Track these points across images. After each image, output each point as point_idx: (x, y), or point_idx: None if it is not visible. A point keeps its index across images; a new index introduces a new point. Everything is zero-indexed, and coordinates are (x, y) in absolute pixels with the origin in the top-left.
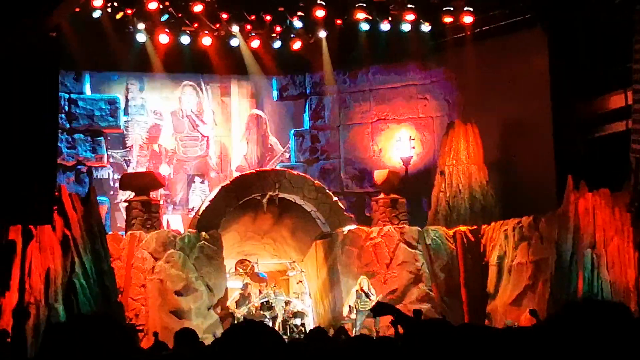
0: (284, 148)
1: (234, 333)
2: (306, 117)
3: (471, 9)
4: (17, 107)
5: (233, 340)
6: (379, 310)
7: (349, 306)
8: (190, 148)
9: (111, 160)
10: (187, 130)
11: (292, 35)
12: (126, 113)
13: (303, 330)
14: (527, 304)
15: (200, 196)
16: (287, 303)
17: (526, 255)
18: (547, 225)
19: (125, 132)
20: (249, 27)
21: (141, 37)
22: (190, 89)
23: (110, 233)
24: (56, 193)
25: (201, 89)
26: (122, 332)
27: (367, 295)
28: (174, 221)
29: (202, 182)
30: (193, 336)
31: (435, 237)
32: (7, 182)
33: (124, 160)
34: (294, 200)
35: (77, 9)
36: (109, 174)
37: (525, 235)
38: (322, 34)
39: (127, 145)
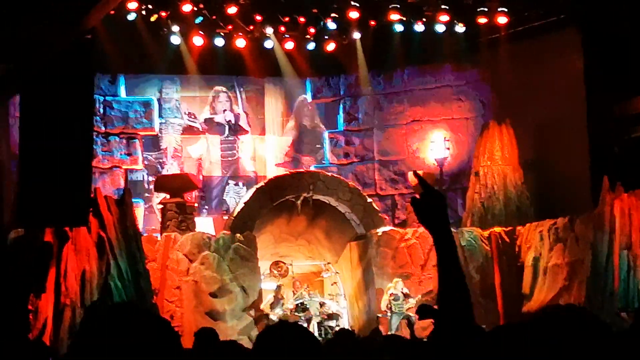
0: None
1: (269, 335)
2: (340, 118)
3: (505, 10)
4: (53, 110)
5: (268, 342)
6: (423, 312)
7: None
8: (227, 151)
9: (146, 162)
10: (226, 134)
11: (326, 37)
12: (160, 115)
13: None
14: None
15: (235, 198)
16: (321, 304)
17: (561, 256)
18: (582, 227)
19: (159, 135)
20: (282, 29)
21: (175, 40)
22: (224, 96)
23: (145, 235)
24: (91, 195)
25: (235, 91)
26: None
27: (406, 296)
28: (205, 223)
29: (237, 184)
30: (214, 336)
31: (470, 239)
32: (43, 185)
33: (158, 162)
34: (328, 202)
35: (112, 12)
36: (143, 176)
37: (561, 237)
38: (356, 35)
39: (162, 148)
